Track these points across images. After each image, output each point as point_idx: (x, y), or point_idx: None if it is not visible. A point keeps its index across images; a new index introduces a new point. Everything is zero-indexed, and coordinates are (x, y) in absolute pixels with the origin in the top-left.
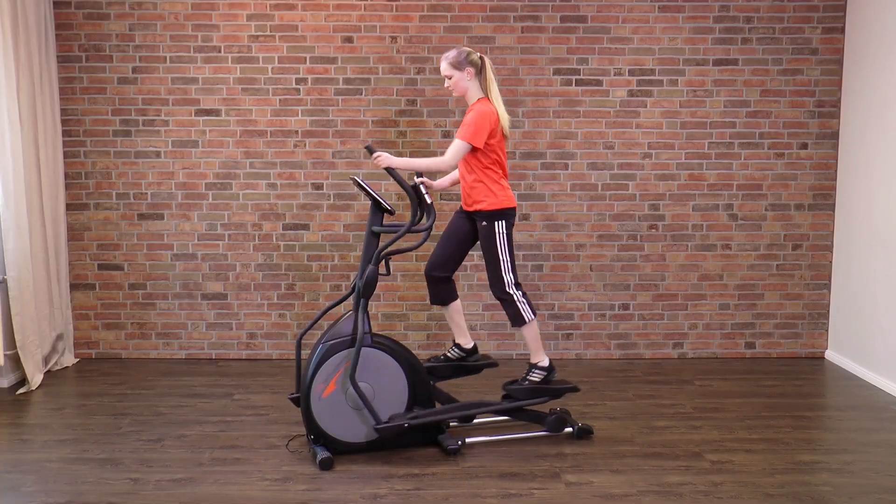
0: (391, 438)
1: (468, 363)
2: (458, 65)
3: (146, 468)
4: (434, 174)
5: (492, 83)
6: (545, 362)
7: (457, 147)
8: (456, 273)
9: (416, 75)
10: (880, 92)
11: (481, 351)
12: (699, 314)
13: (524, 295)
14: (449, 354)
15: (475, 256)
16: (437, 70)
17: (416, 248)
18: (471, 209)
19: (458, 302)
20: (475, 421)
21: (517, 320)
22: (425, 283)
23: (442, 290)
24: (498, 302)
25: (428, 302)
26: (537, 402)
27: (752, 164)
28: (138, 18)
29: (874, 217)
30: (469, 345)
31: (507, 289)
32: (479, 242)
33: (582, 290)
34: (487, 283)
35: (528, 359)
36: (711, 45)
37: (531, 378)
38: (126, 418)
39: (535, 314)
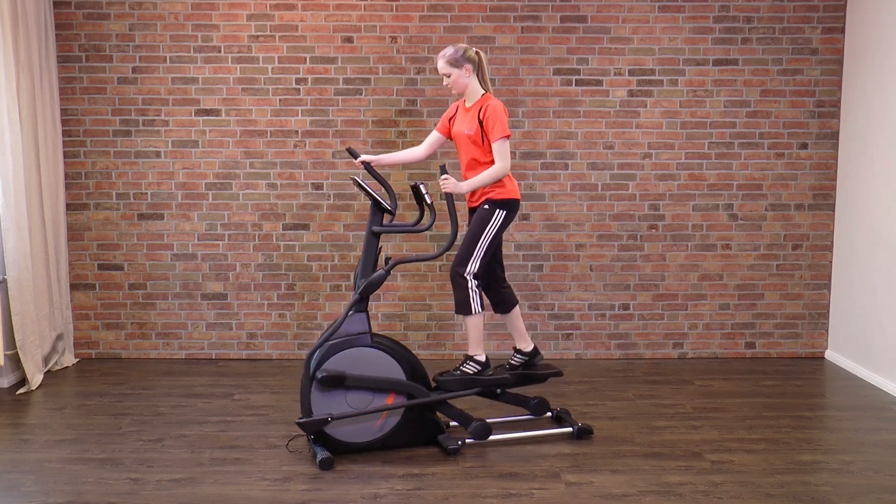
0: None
1: (534, 371)
2: (455, 62)
3: (146, 468)
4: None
5: (487, 78)
6: (482, 357)
7: (501, 148)
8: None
9: (416, 75)
10: (880, 92)
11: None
12: (699, 314)
13: (479, 286)
14: (512, 362)
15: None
16: (438, 70)
17: (434, 257)
18: (477, 203)
19: (517, 307)
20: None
21: (463, 307)
22: (426, 284)
23: (505, 295)
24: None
25: (427, 302)
26: (467, 394)
27: (752, 164)
28: (138, 18)
29: (874, 217)
30: (529, 347)
31: (465, 273)
32: (472, 220)
33: (582, 290)
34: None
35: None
36: (711, 45)
37: (464, 369)
38: (126, 418)
39: (482, 309)
